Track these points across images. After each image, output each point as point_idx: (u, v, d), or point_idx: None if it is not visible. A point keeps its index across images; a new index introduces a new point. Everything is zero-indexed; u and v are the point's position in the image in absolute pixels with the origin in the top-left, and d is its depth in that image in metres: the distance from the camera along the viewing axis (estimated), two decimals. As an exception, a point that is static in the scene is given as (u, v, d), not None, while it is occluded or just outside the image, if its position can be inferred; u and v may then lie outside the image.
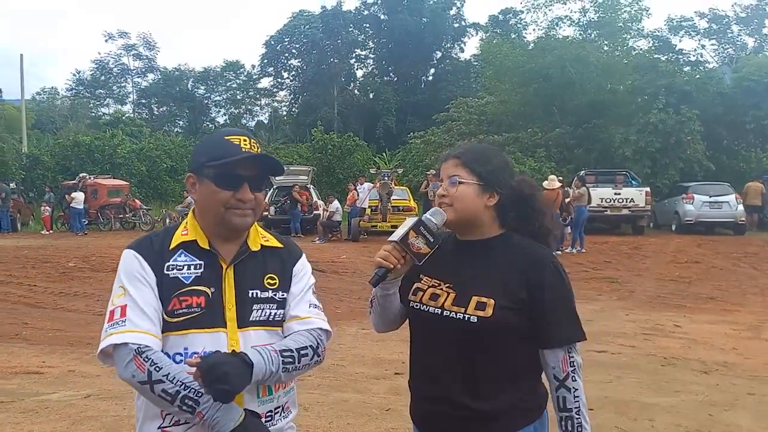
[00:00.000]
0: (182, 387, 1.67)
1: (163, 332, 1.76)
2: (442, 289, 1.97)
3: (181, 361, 1.74)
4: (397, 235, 1.90)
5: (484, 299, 1.88)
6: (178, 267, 1.81)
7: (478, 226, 2.00)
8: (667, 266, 13.73)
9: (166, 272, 1.80)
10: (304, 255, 2.02)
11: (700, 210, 19.83)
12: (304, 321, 1.90)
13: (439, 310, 1.93)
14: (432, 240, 1.89)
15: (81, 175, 25.50)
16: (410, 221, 1.93)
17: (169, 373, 1.68)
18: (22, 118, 37.48)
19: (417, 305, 2.00)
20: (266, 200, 20.48)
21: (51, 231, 22.37)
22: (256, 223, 1.96)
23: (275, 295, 1.87)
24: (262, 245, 1.92)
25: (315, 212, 21.20)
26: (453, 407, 1.92)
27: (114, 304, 1.77)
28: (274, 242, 1.96)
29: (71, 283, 11.16)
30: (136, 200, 25.31)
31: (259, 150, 1.85)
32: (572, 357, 1.90)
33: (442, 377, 1.94)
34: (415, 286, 2.02)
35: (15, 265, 12.88)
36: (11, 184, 24.72)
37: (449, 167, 2.02)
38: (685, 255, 15.23)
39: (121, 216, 24.03)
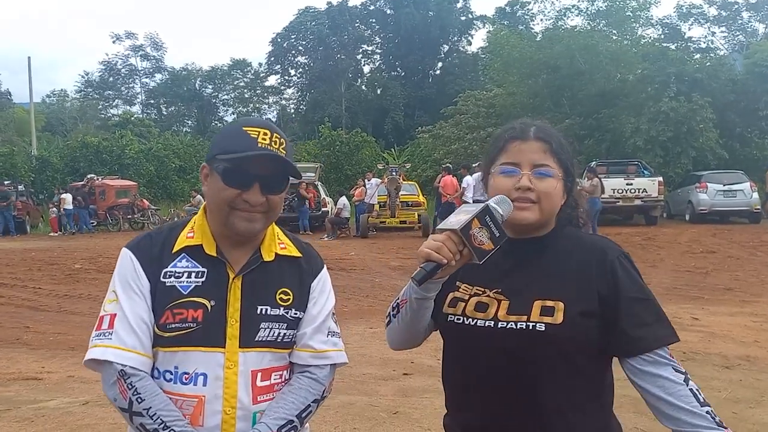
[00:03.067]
0: (162, 426, 1.50)
1: (153, 346, 1.58)
2: (489, 296, 1.59)
3: (171, 380, 1.57)
4: (454, 222, 1.48)
5: (550, 303, 1.51)
6: (177, 274, 1.61)
7: (544, 226, 1.64)
8: (682, 257, 13.45)
9: (162, 279, 1.60)
10: (325, 268, 1.80)
11: (714, 199, 19.56)
12: (320, 355, 1.69)
13: (492, 321, 1.55)
14: (498, 235, 1.49)
15: (89, 176, 25.56)
16: (470, 207, 1.51)
17: (150, 408, 1.51)
18: (30, 120, 37.60)
19: (459, 318, 1.60)
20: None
21: (59, 233, 22.37)
22: (275, 226, 1.74)
23: (287, 313, 1.66)
24: (277, 254, 1.70)
25: (323, 209, 21.06)
26: None
27: (105, 311, 1.62)
28: (292, 250, 1.73)
29: (77, 285, 11.04)
30: (145, 200, 25.34)
31: (282, 145, 1.63)
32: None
33: (498, 408, 1.56)
34: (452, 296, 1.63)
35: (21, 268, 12.81)
36: (20, 187, 24.78)
37: (534, 152, 1.61)
38: (699, 245, 14.94)
39: (130, 216, 24.04)
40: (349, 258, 14.05)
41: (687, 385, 1.46)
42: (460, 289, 1.64)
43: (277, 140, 1.61)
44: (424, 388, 5.29)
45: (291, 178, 1.68)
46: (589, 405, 1.56)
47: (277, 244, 1.71)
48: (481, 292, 1.61)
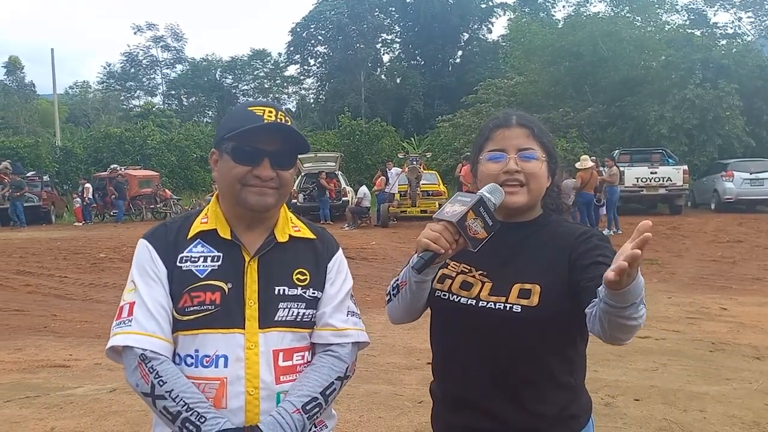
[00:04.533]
0: (185, 408, 1.50)
1: (173, 331, 1.59)
2: (474, 276, 1.69)
3: (192, 364, 1.57)
4: (449, 213, 1.56)
5: (528, 286, 1.61)
6: (192, 259, 1.62)
7: (531, 209, 1.76)
8: (709, 246, 13.25)
9: (178, 264, 1.62)
10: (340, 250, 1.81)
11: (740, 187, 19.24)
12: (340, 333, 1.71)
13: (474, 300, 1.65)
14: (491, 223, 1.57)
15: (112, 166, 25.76)
16: (465, 197, 1.60)
17: (172, 390, 1.51)
18: (54, 111, 38.01)
19: (445, 294, 1.71)
20: (294, 187, 20.42)
21: (83, 222, 22.61)
22: (287, 210, 1.76)
23: (305, 292, 1.67)
24: (291, 236, 1.71)
25: (343, 199, 21.05)
26: (486, 417, 1.66)
27: (124, 300, 1.63)
28: (306, 233, 1.75)
29: (101, 274, 11.16)
30: (167, 190, 25.52)
31: (289, 123, 1.63)
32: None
33: (473, 380, 1.67)
34: (441, 272, 1.74)
35: (47, 257, 12.96)
36: (45, 177, 25.07)
37: (518, 137, 1.73)
38: (726, 234, 14.71)
39: (152, 206, 24.19)
40: (370, 247, 14.04)
41: None
42: (449, 266, 1.74)
43: (283, 117, 1.63)
44: (448, 377, 5.26)
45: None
46: (562, 380, 1.66)
47: (291, 227, 1.73)
48: (467, 271, 1.71)
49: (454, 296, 1.69)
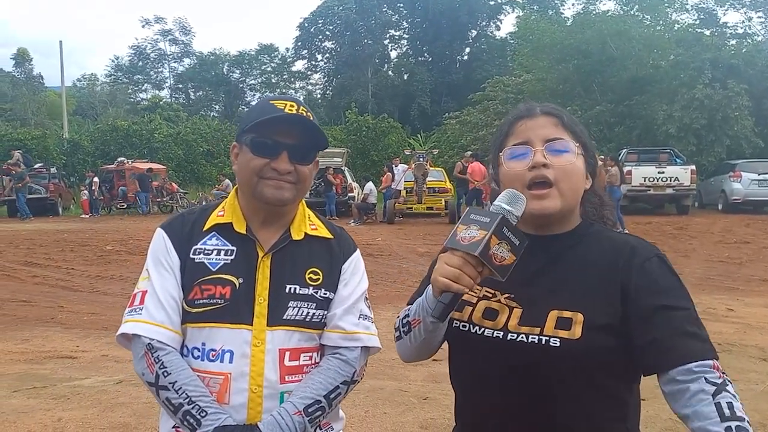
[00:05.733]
0: (187, 401, 1.49)
1: (182, 323, 1.59)
2: (499, 301, 1.40)
3: (199, 357, 1.57)
4: (466, 241, 1.28)
5: (568, 314, 1.32)
6: (206, 251, 1.61)
7: (568, 218, 1.44)
8: (715, 247, 13.19)
9: (192, 256, 1.61)
10: (358, 251, 1.77)
11: (748, 188, 19.18)
12: (350, 337, 1.65)
13: (501, 332, 1.36)
14: (518, 242, 1.29)
15: (119, 159, 25.86)
16: (481, 216, 1.31)
17: (176, 382, 1.50)
18: (62, 103, 38.12)
19: (465, 325, 1.42)
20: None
21: (90, 215, 22.70)
22: (306, 208, 1.74)
23: (316, 292, 1.64)
24: (307, 234, 1.69)
25: (350, 194, 21.07)
26: None
27: (137, 288, 1.63)
28: (323, 232, 1.72)
29: (108, 267, 11.20)
30: (173, 184, 25.60)
31: (309, 117, 1.61)
32: (721, 369, 1.26)
33: (506, 430, 1.39)
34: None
35: (54, 249, 13.02)
36: (52, 169, 25.17)
37: (544, 126, 1.42)
38: (733, 235, 14.65)
39: (159, 200, 24.28)
40: (376, 243, 14.04)
41: (715, 398, 1.18)
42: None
43: (305, 112, 1.61)
44: (454, 374, 5.25)
45: (319, 160, 1.69)
46: (614, 429, 1.38)
47: (308, 224, 1.71)
48: (490, 295, 1.43)
49: (476, 327, 1.40)
